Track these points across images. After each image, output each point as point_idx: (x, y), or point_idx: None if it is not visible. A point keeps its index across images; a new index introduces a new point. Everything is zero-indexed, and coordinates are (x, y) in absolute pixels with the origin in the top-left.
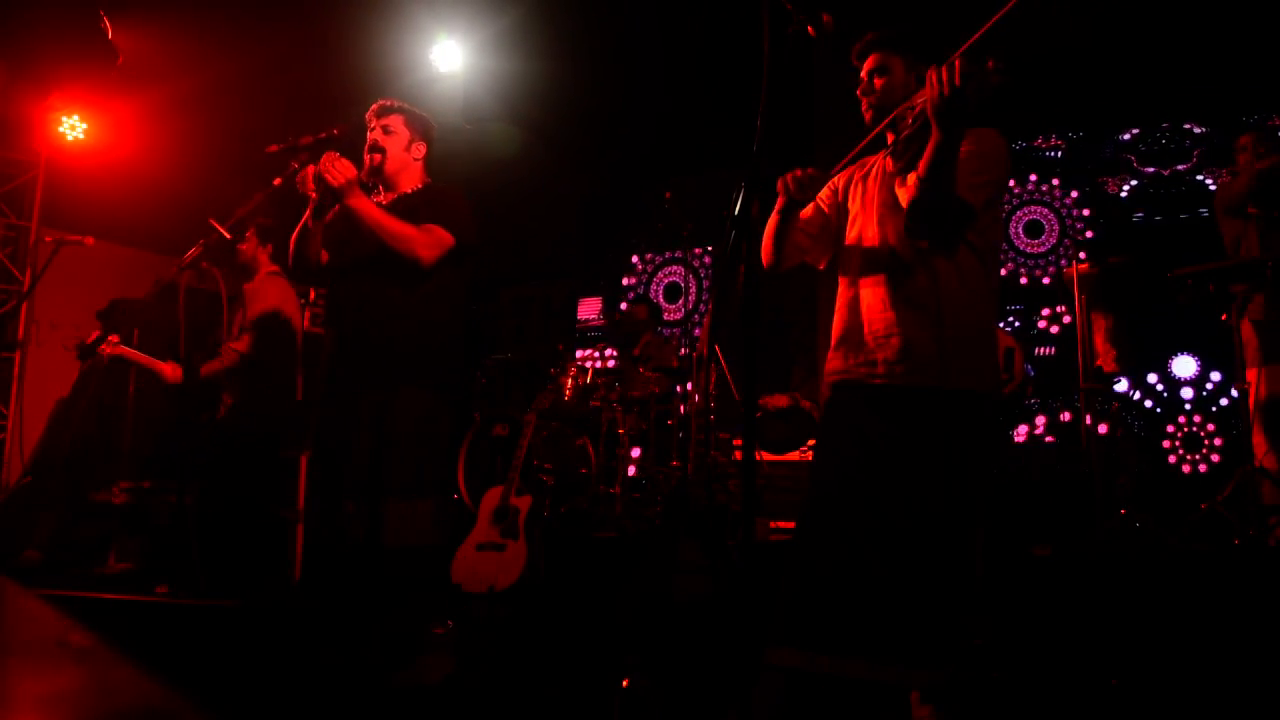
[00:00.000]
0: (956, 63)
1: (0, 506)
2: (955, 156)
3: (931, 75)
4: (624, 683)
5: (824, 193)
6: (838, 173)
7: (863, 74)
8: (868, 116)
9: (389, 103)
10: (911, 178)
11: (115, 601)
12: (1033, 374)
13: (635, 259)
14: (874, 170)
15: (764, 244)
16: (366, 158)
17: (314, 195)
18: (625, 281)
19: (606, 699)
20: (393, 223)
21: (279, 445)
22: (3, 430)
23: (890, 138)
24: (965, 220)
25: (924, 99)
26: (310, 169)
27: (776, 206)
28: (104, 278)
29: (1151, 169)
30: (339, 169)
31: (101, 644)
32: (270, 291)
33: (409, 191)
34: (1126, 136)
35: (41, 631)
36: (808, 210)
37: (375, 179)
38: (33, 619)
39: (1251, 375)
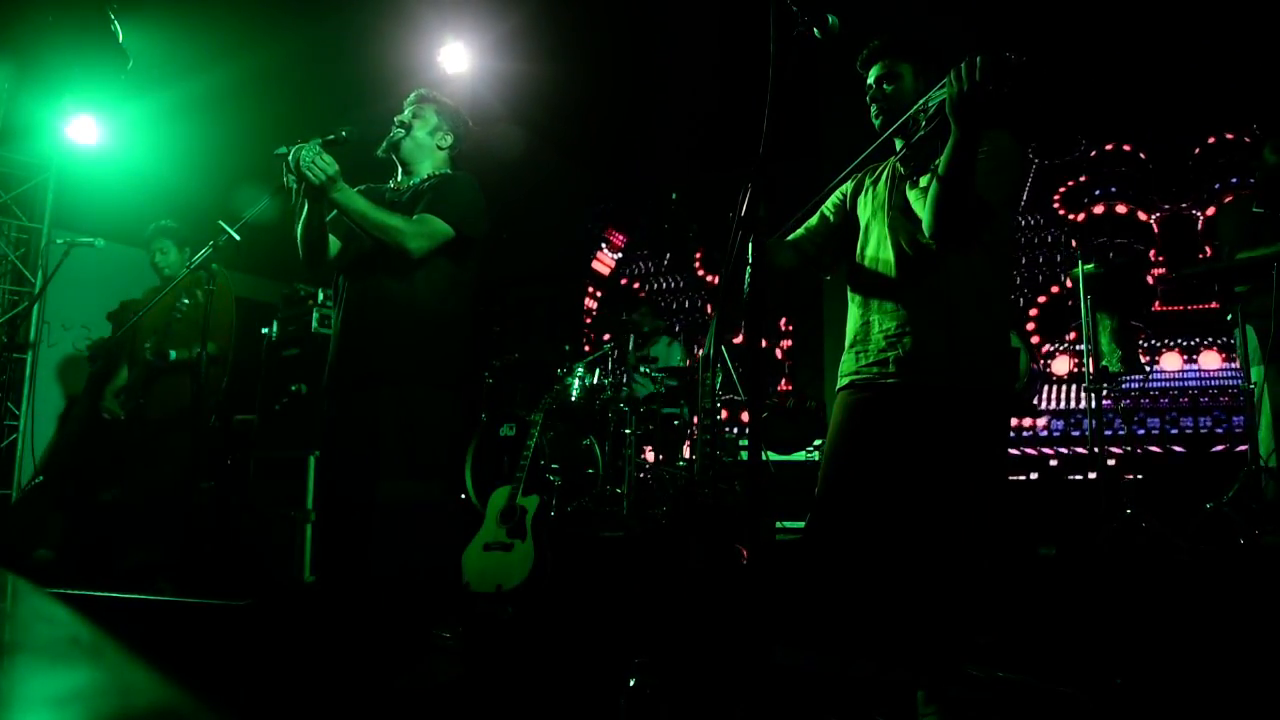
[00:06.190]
0: (977, 59)
1: (13, 506)
2: (974, 155)
3: (952, 73)
4: (631, 683)
5: (831, 202)
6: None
7: (871, 81)
8: (878, 122)
9: (426, 92)
10: (924, 181)
11: (127, 600)
12: (1039, 372)
13: (641, 259)
14: (884, 175)
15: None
16: (392, 131)
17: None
18: (634, 284)
19: (614, 699)
20: (377, 214)
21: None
22: (15, 431)
23: (900, 143)
24: (983, 219)
25: (938, 100)
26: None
27: None
28: (114, 279)
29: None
30: (320, 165)
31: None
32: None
33: (424, 178)
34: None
35: (55, 630)
36: (813, 220)
37: (392, 153)
38: (46, 618)
39: (1255, 375)
